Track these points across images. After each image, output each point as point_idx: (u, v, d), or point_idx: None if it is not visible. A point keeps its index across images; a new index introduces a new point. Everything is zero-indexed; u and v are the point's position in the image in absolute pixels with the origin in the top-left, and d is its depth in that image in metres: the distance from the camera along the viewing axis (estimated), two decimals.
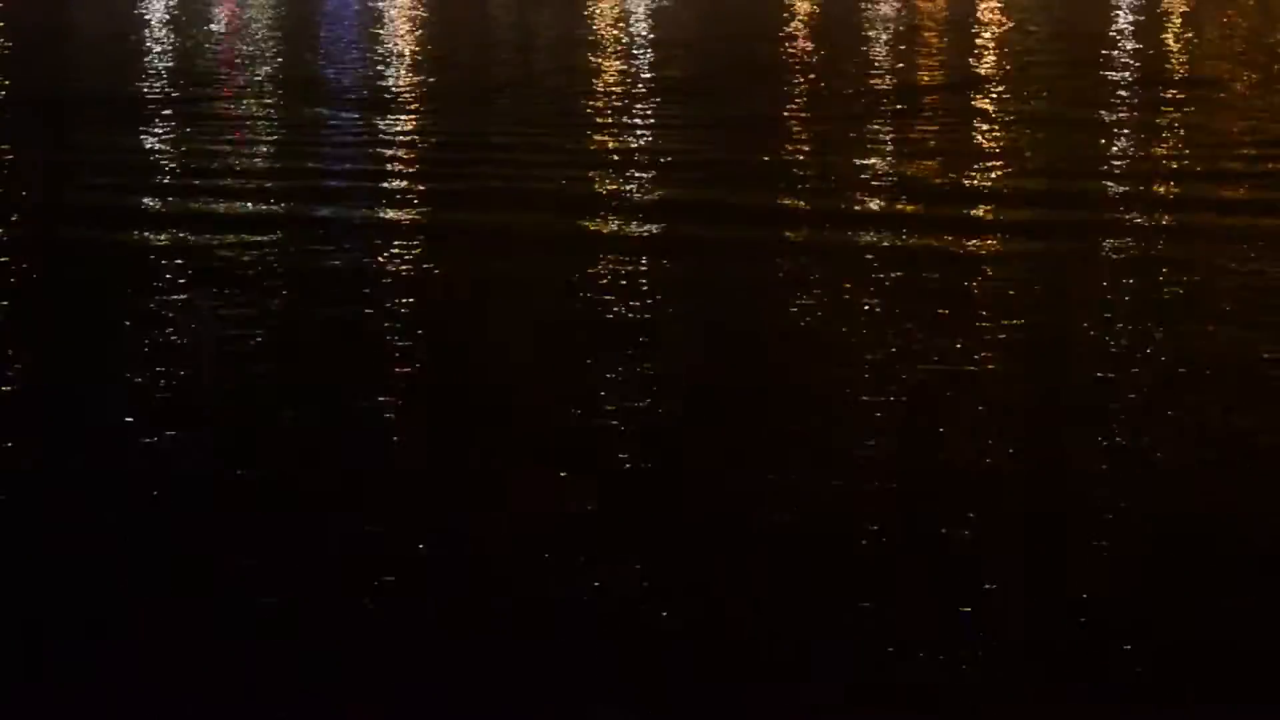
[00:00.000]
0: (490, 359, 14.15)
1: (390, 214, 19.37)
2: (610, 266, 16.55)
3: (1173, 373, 13.37)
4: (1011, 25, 41.08)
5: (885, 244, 17.48)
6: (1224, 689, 8.41)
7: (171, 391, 13.02)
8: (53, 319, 15.44)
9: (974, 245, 17.53)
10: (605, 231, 18.24)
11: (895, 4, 47.76)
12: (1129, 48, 36.17)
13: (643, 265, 16.60)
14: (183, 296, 15.77)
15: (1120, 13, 44.80)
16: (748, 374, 13.49)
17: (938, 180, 21.16)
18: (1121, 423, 12.23)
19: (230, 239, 18.02)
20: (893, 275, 16.14)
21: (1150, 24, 41.72)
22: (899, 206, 19.43)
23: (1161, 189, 20.59)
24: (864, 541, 10.15)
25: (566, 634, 8.97)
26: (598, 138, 24.55)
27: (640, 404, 12.60)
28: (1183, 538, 10.28)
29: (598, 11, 45.21)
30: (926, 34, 39.18)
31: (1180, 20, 45.18)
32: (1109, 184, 20.87)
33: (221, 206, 19.89)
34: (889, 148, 23.61)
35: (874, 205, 19.51)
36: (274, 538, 10.28)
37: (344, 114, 27.46)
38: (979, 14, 43.36)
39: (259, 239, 17.98)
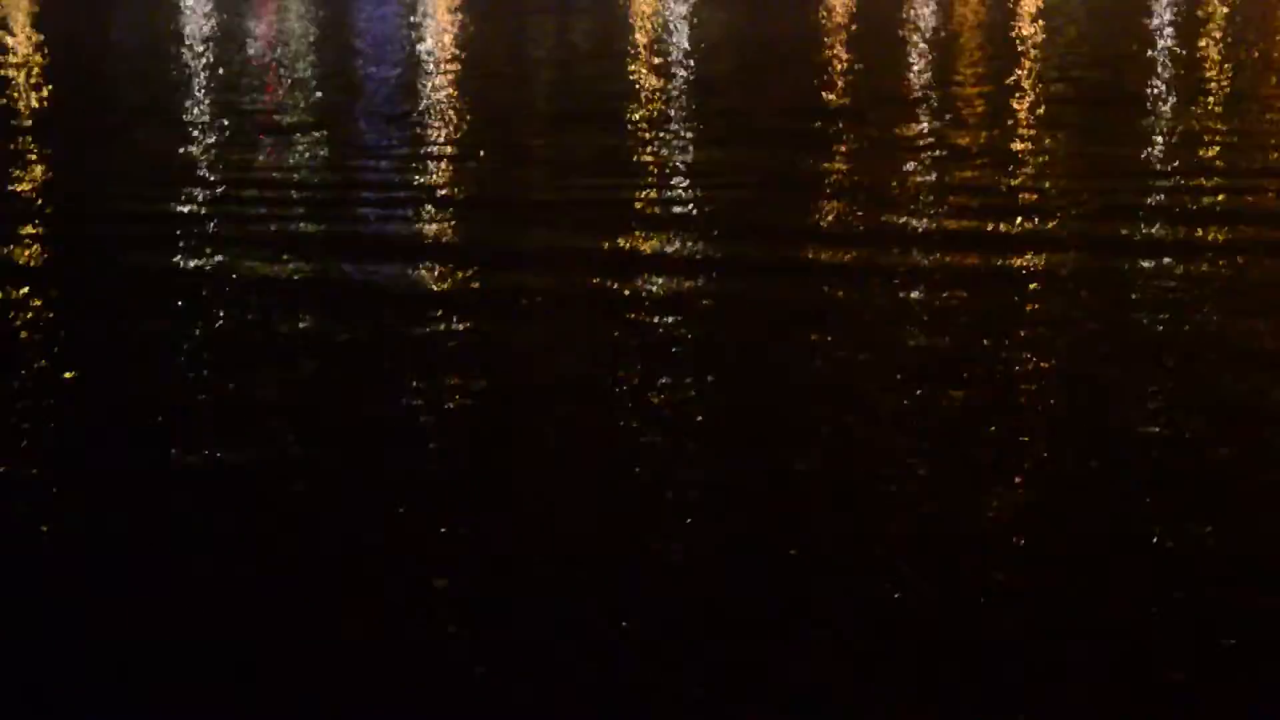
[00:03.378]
0: (523, 370, 14.22)
1: (430, 229, 19.49)
2: (641, 285, 16.60)
3: (1212, 396, 13.35)
4: (1047, 35, 40.96)
5: (920, 263, 17.49)
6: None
7: (206, 411, 13.13)
8: (82, 332, 15.59)
9: (1009, 265, 17.52)
10: (638, 249, 18.27)
11: (932, 7, 47.76)
12: (1166, 58, 36.03)
13: (676, 284, 16.65)
14: (217, 316, 15.93)
15: (1158, 21, 44.68)
16: (772, 399, 13.48)
17: (977, 191, 21.14)
18: (1162, 449, 12.22)
19: (267, 267, 18.21)
20: (927, 296, 16.16)
21: (1188, 32, 41.55)
22: (934, 225, 19.40)
23: (1204, 203, 20.50)
24: (895, 571, 10.18)
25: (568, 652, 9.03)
26: (633, 152, 24.57)
27: (667, 420, 12.66)
28: (1208, 560, 10.30)
29: (635, 24, 45.25)
30: (962, 45, 39.11)
31: (1220, 27, 45.02)
32: (1151, 195, 20.80)
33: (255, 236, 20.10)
34: (924, 169, 23.52)
35: (908, 224, 19.48)
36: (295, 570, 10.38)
37: (383, 133, 27.59)
38: (1015, 23, 43.35)
39: (299, 264, 18.17)
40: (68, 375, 14.48)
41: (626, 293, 16.50)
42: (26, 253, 19.17)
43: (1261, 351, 14.43)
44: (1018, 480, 11.80)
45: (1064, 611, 9.83)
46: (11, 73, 36.79)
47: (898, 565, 10.45)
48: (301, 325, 15.66)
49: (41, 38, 44.54)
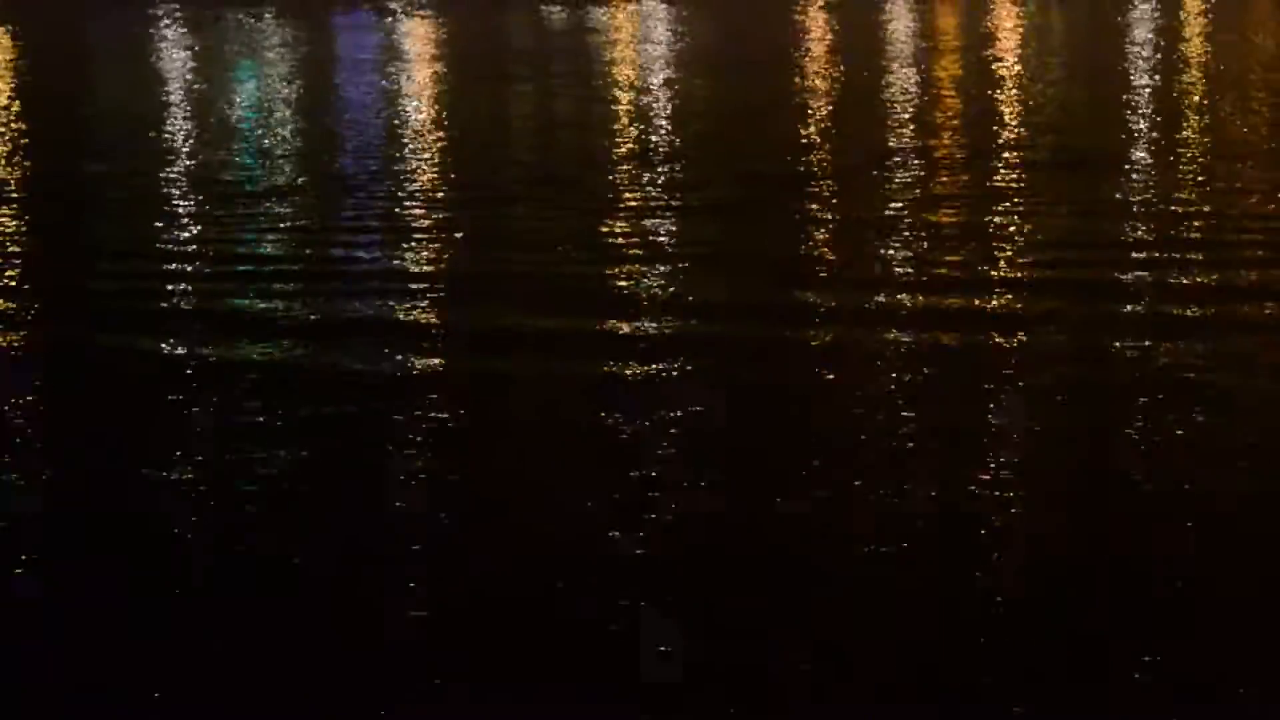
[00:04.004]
0: (508, 457, 14.23)
1: (415, 314, 19.44)
2: (625, 367, 16.55)
3: (1202, 473, 13.35)
4: (1024, 92, 41.01)
5: (898, 338, 17.50)
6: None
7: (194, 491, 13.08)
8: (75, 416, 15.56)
9: (993, 337, 17.49)
10: (621, 331, 18.23)
11: (912, 38, 47.95)
12: (1144, 117, 36.10)
13: (659, 365, 16.60)
14: (192, 396, 15.95)
15: (1136, 75, 44.80)
16: (761, 479, 13.46)
17: (956, 267, 21.06)
18: (1147, 531, 12.24)
19: (246, 343, 18.16)
20: (906, 368, 16.18)
21: (1165, 85, 41.67)
22: (916, 298, 19.37)
23: (1187, 275, 20.31)
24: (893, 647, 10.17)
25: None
26: (615, 228, 24.46)
27: (653, 504, 12.67)
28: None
29: (616, 93, 45.36)
30: (940, 105, 39.18)
31: (1198, 57, 45.28)
32: (1130, 270, 20.71)
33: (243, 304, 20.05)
34: (905, 232, 23.39)
35: (886, 299, 19.41)
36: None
37: (365, 202, 27.51)
38: (995, 38, 43.43)
39: (278, 340, 18.13)
40: (51, 456, 14.48)
41: (605, 370, 16.47)
42: None
43: (1232, 431, 14.47)
44: (1000, 540, 11.89)
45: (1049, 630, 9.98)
46: None
47: (891, 598, 10.58)
48: (276, 406, 15.63)
49: (17, 105, 44.55)
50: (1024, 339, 17.50)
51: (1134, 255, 21.73)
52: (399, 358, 17.27)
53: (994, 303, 19.22)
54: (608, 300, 19.64)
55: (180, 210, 27.15)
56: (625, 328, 18.30)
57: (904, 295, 19.54)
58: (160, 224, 25.83)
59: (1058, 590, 11.31)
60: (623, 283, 20.59)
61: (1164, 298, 19.12)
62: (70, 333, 19.18)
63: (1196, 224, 23.71)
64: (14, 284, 21.90)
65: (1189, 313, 18.45)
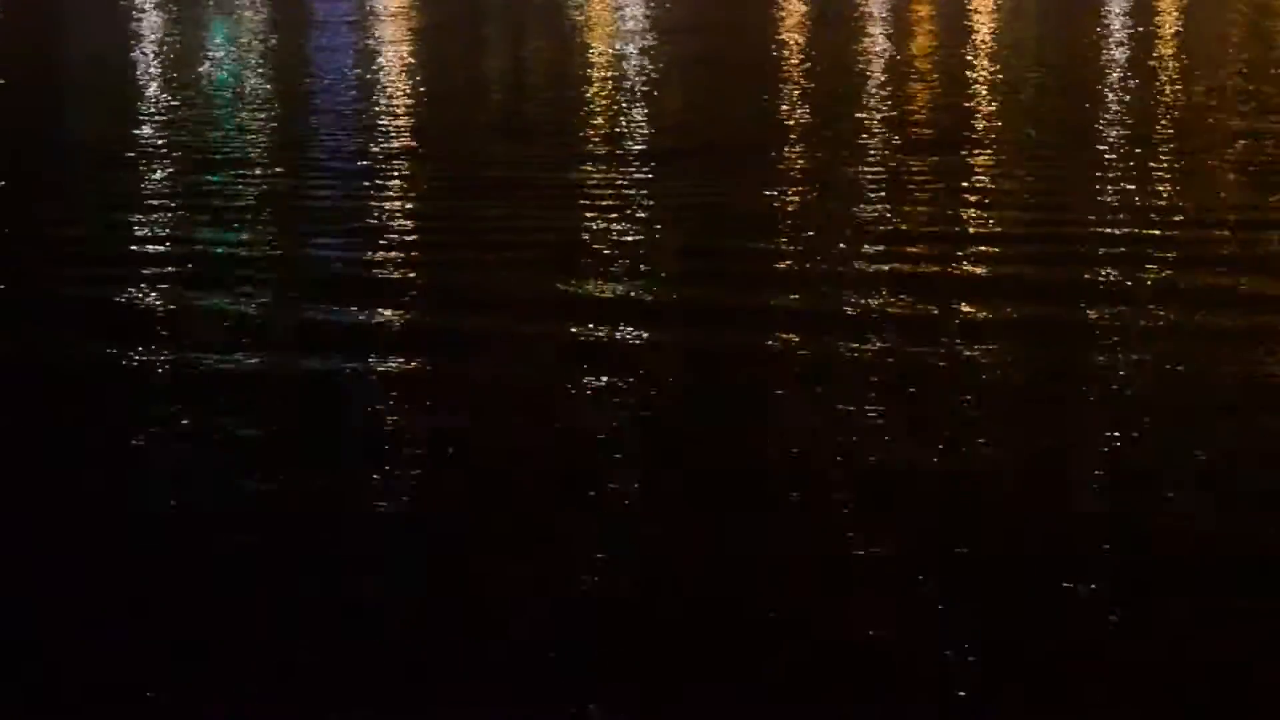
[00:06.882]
0: (476, 408, 14.37)
1: (381, 271, 19.45)
2: (591, 371, 16.42)
3: (1162, 485, 13.41)
4: (1002, 74, 40.96)
5: (872, 309, 17.50)
6: None
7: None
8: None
9: (967, 343, 17.36)
10: (593, 293, 18.22)
11: (885, 43, 47.95)
12: (1119, 82, 35.99)
13: (628, 369, 16.51)
14: (173, 350, 16.04)
15: (1110, 36, 44.84)
16: (730, 488, 13.46)
17: (931, 267, 20.83)
18: (1108, 542, 12.32)
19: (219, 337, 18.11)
20: (881, 375, 16.17)
21: (1139, 60, 41.68)
22: (888, 301, 19.25)
23: (1159, 273, 20.25)
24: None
25: None
26: (582, 224, 23.56)
27: (623, 510, 12.71)
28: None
29: (588, 55, 45.24)
30: (915, 80, 39.06)
31: (1172, 48, 45.36)
32: (1107, 269, 20.56)
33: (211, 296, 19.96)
34: (878, 232, 23.00)
35: (860, 269, 19.36)
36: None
37: (335, 178, 27.35)
38: (970, 24, 43.36)
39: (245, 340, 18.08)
40: (33, 452, 14.52)
41: (580, 338, 16.54)
42: None
43: (1214, 401, 14.58)
44: (975, 527, 11.97)
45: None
46: None
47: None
48: (252, 363, 15.78)
49: None
50: (986, 341, 17.43)
51: (1100, 254, 21.50)
52: (372, 314, 17.48)
53: (968, 269, 19.04)
54: (586, 263, 19.67)
55: (146, 173, 27.05)
56: (601, 291, 18.31)
57: (875, 262, 19.58)
58: (128, 187, 25.75)
59: (1023, 605, 11.34)
60: (598, 246, 20.54)
61: (1130, 300, 19.02)
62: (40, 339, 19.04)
63: (1167, 224, 23.48)
64: None
65: (1154, 315, 18.35)
